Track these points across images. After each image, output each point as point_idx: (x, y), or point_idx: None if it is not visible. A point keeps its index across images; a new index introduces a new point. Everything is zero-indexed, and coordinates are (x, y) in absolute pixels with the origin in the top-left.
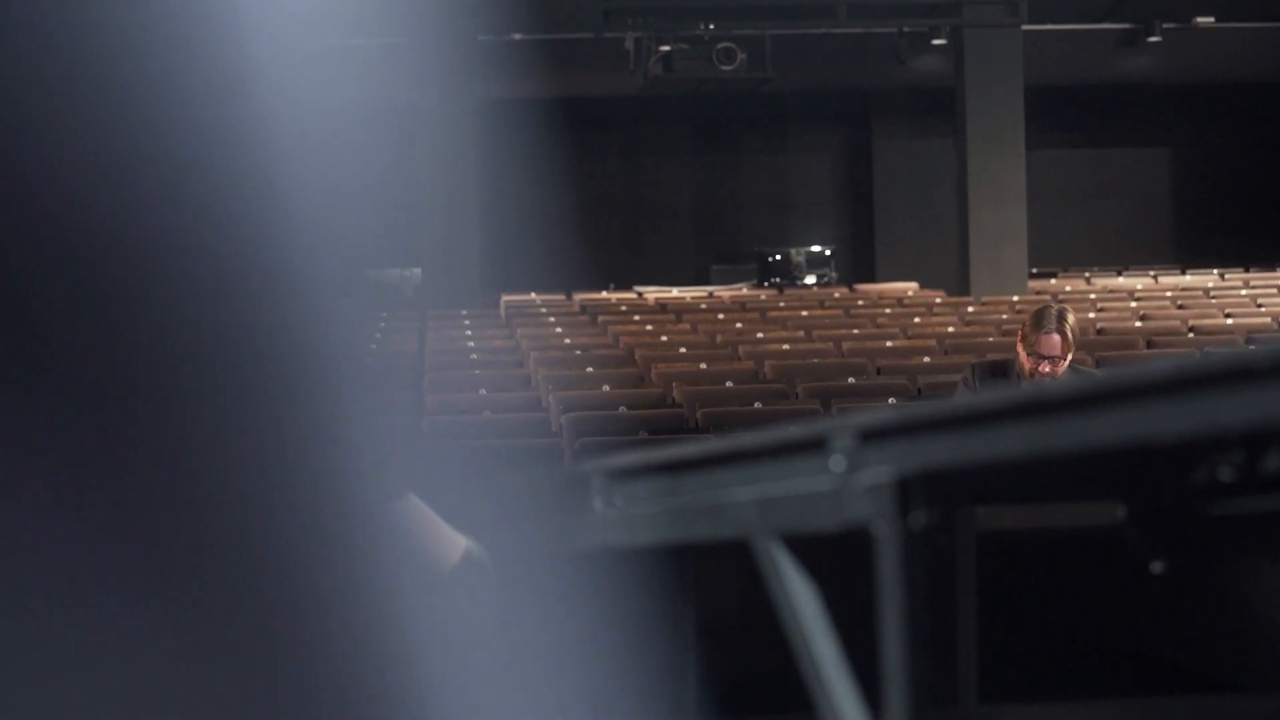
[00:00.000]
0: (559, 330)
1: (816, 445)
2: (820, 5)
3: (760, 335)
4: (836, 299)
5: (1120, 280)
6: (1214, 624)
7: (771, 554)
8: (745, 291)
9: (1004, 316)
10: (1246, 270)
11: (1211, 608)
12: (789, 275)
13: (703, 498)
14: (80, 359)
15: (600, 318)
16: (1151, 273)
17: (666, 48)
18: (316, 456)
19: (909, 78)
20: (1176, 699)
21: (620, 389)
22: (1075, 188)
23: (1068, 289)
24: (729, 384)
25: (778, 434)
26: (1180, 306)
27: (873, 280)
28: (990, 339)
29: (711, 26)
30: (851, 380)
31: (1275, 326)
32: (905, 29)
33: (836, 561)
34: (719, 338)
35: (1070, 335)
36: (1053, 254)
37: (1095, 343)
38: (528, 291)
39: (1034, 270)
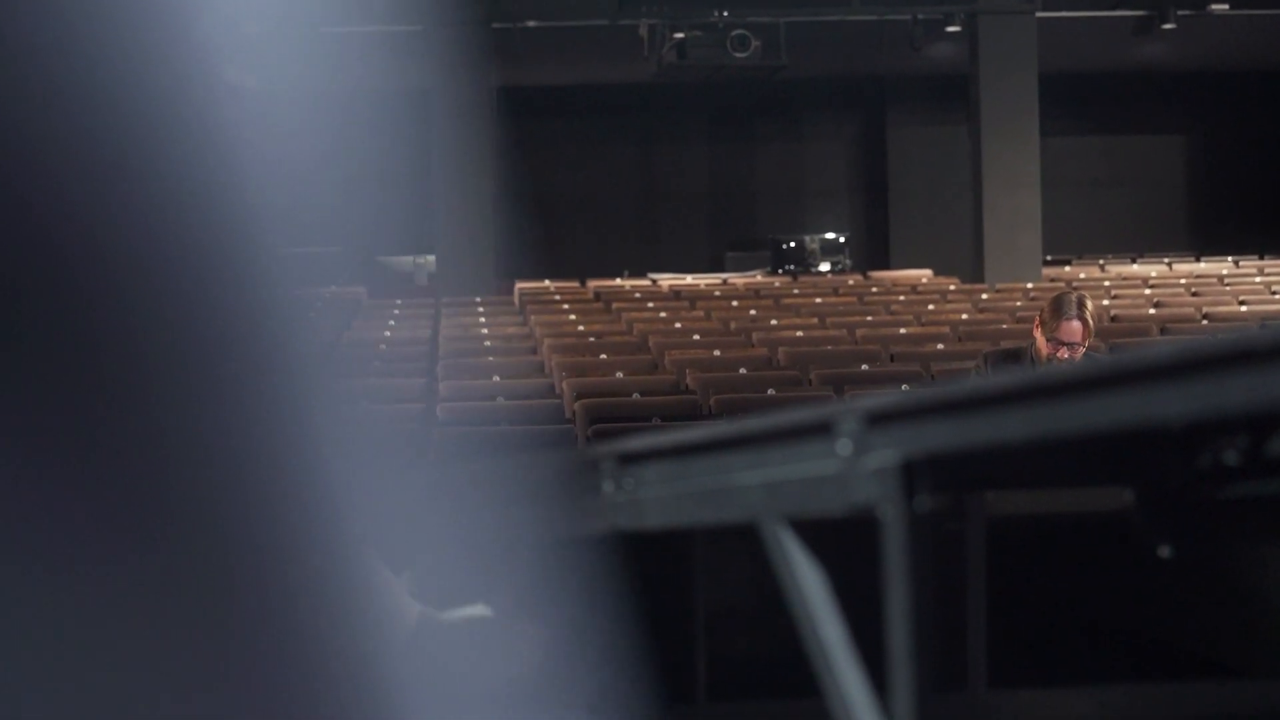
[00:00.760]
0: (573, 317)
1: (823, 429)
2: None
3: (774, 322)
4: (850, 286)
5: (1134, 267)
6: (1222, 609)
7: (778, 537)
8: (759, 278)
9: (1018, 303)
10: (1261, 257)
11: (1219, 593)
12: (803, 262)
13: (710, 481)
14: (48, 347)
15: (614, 305)
16: (1166, 260)
17: (681, 35)
18: (281, 445)
19: (923, 65)
20: (1184, 685)
21: (634, 376)
22: (1089, 175)
23: (1082, 276)
24: (742, 371)
25: (784, 418)
26: (1194, 294)
27: (887, 267)
28: (1004, 326)
29: (726, 14)
30: (865, 367)
31: None
32: (920, 16)
33: (846, 545)
34: (733, 324)
35: (1090, 322)
36: (1067, 241)
37: (1109, 330)
38: (542, 278)
39: (1048, 257)
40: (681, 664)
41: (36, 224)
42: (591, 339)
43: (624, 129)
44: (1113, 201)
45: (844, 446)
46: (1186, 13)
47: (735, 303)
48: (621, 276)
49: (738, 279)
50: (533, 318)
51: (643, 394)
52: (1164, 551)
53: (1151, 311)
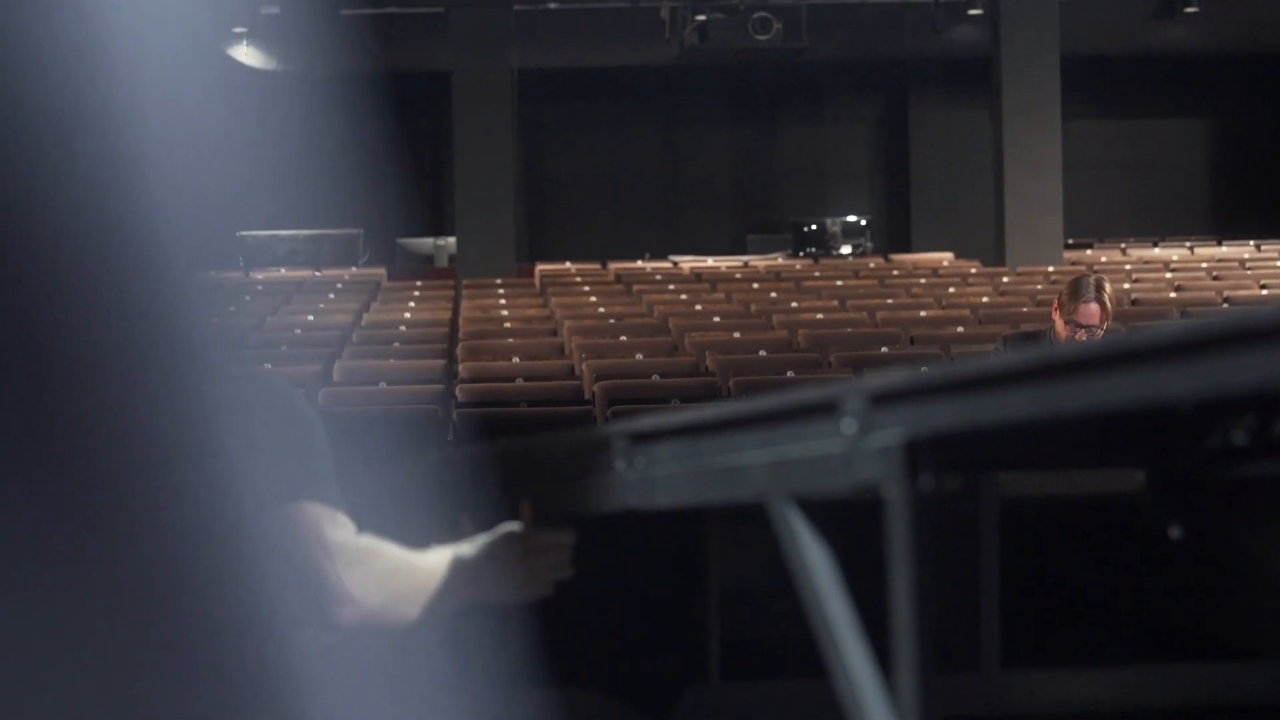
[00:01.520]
0: (593, 299)
1: (828, 408)
2: None
3: (794, 304)
4: (871, 269)
5: (1156, 251)
6: (1234, 590)
7: (785, 516)
8: (780, 261)
9: (1039, 287)
10: None
11: (1231, 574)
12: (824, 245)
13: (719, 460)
14: None
15: (635, 287)
16: (1187, 244)
17: (702, 17)
18: (183, 429)
19: (945, 48)
20: (1195, 665)
21: (653, 358)
22: (1111, 158)
23: (1103, 260)
24: (762, 353)
25: (791, 397)
26: (1215, 277)
27: (908, 250)
28: (1024, 309)
29: None
30: (885, 349)
31: None
32: None
33: (856, 525)
34: (753, 307)
35: (1108, 304)
36: (1088, 225)
37: (1130, 313)
38: (564, 261)
39: (1069, 241)
40: (695, 644)
41: None
42: (612, 321)
43: (646, 112)
44: (1134, 185)
45: (848, 425)
46: None
47: (756, 285)
48: (643, 259)
49: (759, 261)
50: (553, 300)
51: (662, 376)
52: (1174, 532)
53: (1172, 295)
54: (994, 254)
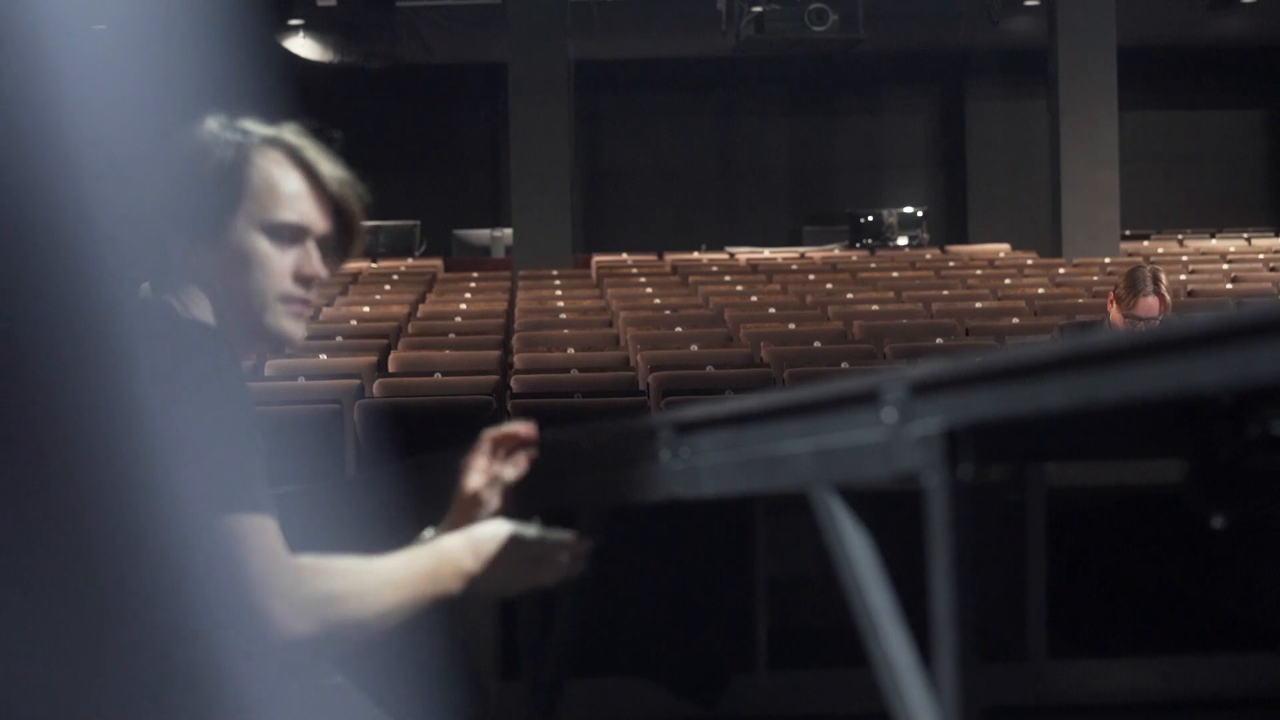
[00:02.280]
0: (649, 290)
1: (870, 398)
2: None
3: (850, 296)
4: (928, 260)
5: (1213, 243)
6: (1276, 579)
7: (827, 504)
8: (837, 252)
9: (1095, 278)
10: None
11: (1273, 562)
12: (881, 236)
13: (762, 450)
14: None
15: (691, 278)
16: (1244, 235)
17: (759, 9)
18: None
19: (1002, 39)
20: (1243, 656)
21: (708, 349)
22: (1168, 149)
23: (1160, 251)
24: (817, 344)
25: (833, 387)
26: (1272, 269)
27: (965, 242)
28: (1080, 300)
29: None
30: (939, 341)
31: None
32: None
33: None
34: (809, 298)
35: (1166, 296)
36: (1146, 216)
37: (1186, 305)
38: (619, 252)
39: (1126, 232)
40: (743, 633)
41: None
42: (667, 312)
43: (702, 103)
44: (1191, 176)
45: (889, 415)
46: None
47: (812, 276)
48: (699, 250)
49: (815, 253)
50: (609, 291)
51: (717, 367)
52: (1217, 522)
53: (1229, 286)
54: (1050, 245)
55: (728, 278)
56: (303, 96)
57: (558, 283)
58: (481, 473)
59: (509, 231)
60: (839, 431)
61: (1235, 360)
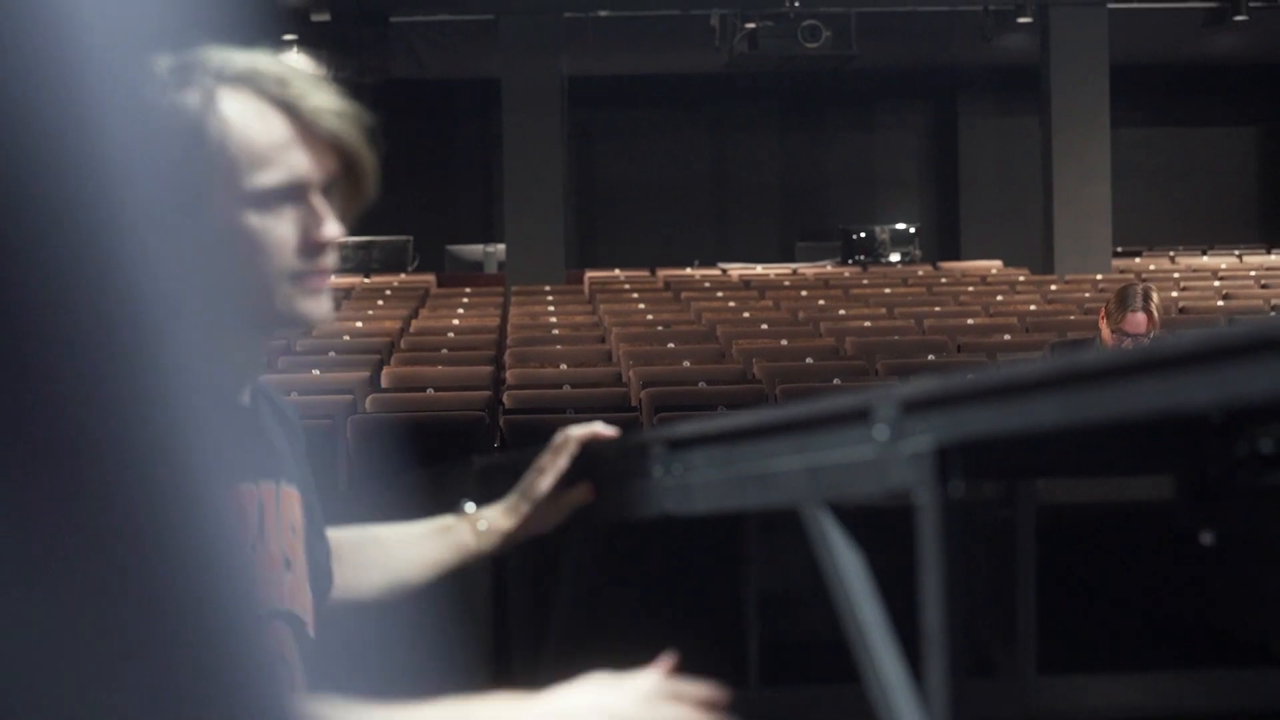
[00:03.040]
0: (641, 306)
1: (861, 415)
2: None
3: (842, 312)
4: (920, 276)
5: (1205, 259)
6: (1266, 595)
7: (819, 521)
8: (829, 269)
9: (1087, 295)
10: None
11: (1263, 579)
12: (873, 253)
13: (754, 466)
14: None
15: (683, 294)
16: (1236, 252)
17: (751, 25)
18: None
19: (994, 56)
20: (1233, 671)
21: (700, 364)
22: (1161, 167)
23: (1151, 268)
24: (809, 360)
25: (825, 404)
26: (1264, 286)
27: (957, 258)
28: (1072, 317)
29: (797, 4)
30: (931, 357)
31: None
32: (991, 7)
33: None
34: (801, 314)
35: (1155, 314)
36: (1138, 233)
37: (1178, 322)
38: (613, 268)
39: (1118, 249)
40: (734, 648)
41: None
42: (660, 328)
43: (695, 119)
44: (1183, 193)
45: (881, 432)
46: (1258, 4)
47: (804, 292)
48: (692, 266)
49: (807, 269)
50: (602, 306)
51: (709, 383)
52: (1206, 539)
53: (1220, 304)
54: (1042, 262)
55: (720, 294)
56: None
57: (550, 298)
58: (558, 476)
59: (502, 247)
60: (831, 449)
61: (1226, 379)
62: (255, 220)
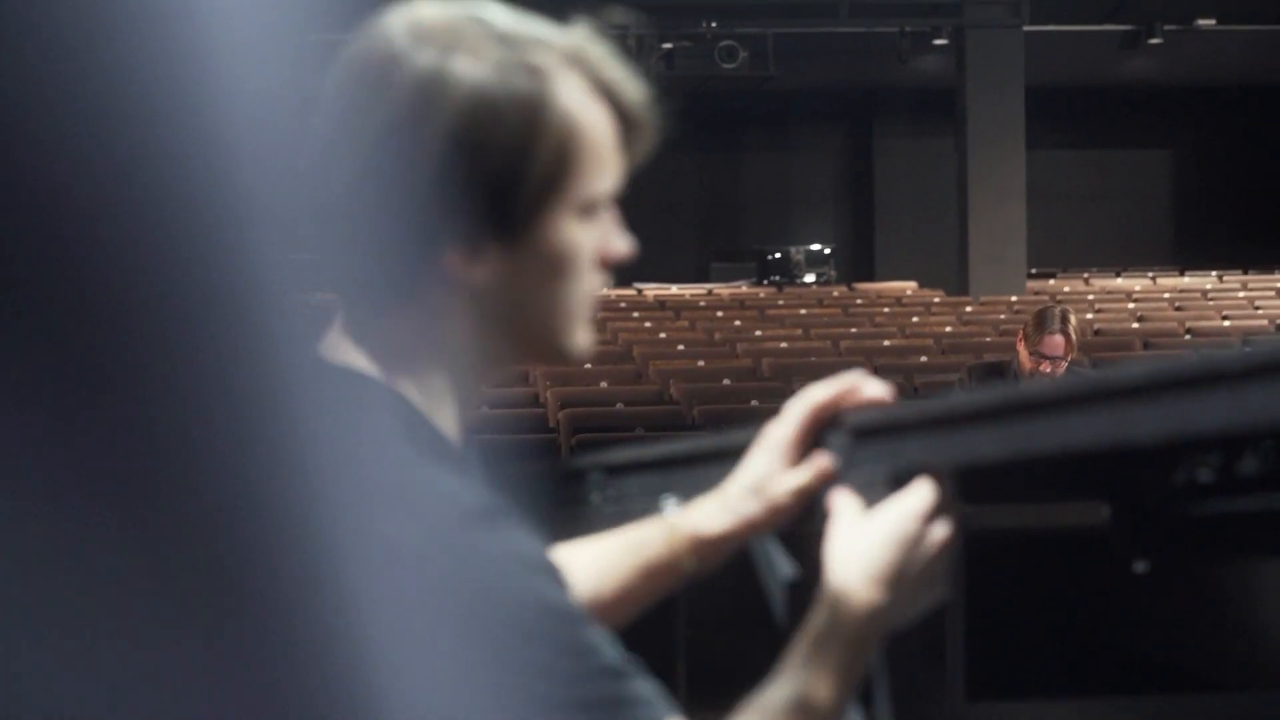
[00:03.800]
0: None
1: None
2: (822, 4)
3: (758, 333)
4: (835, 297)
5: (1119, 281)
6: (1197, 623)
7: (763, 547)
8: (745, 289)
9: (1002, 317)
10: (1245, 272)
11: (1196, 606)
12: (789, 273)
13: (695, 494)
14: (46, 332)
15: (599, 314)
16: (1150, 274)
17: (668, 45)
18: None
19: (910, 77)
20: (1162, 697)
21: (618, 385)
22: (1075, 189)
23: (1066, 289)
24: (726, 381)
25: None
26: (1178, 308)
27: (872, 279)
28: (988, 339)
29: (714, 24)
30: None
31: (1272, 329)
32: (907, 29)
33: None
34: (717, 335)
35: (1073, 336)
36: (1052, 254)
37: (1092, 344)
38: None
39: (1033, 271)
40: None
41: (39, 216)
42: None
43: None
44: (1098, 215)
45: (831, 461)
46: (1173, 28)
47: (720, 313)
48: (606, 286)
49: (723, 289)
50: None
51: (626, 404)
52: (1139, 566)
53: (1135, 326)
54: (957, 283)
55: (636, 314)
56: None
57: None
58: (797, 451)
59: None
60: None
61: (1172, 412)
62: (577, 234)
